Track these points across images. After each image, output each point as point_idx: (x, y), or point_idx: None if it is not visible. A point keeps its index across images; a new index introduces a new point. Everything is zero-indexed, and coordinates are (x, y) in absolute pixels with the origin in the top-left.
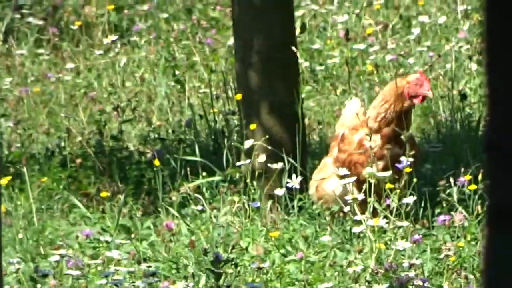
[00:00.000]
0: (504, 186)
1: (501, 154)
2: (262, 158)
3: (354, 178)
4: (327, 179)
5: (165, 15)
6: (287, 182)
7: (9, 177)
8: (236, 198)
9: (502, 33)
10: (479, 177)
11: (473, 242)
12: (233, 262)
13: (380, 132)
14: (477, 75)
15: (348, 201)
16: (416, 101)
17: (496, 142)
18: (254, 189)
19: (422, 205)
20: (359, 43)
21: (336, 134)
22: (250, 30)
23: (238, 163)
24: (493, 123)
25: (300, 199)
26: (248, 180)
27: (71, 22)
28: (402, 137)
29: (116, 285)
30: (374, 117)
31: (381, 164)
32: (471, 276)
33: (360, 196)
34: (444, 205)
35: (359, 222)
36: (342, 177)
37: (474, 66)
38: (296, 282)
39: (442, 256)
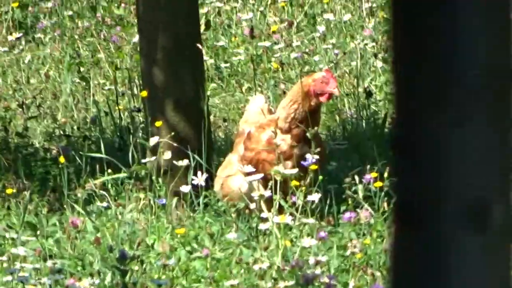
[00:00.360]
0: (409, 183)
1: (405, 150)
2: (168, 155)
3: (260, 175)
4: (233, 176)
5: (70, 13)
6: (193, 179)
7: None
8: (141, 195)
9: (407, 31)
10: (385, 175)
11: (379, 239)
12: (139, 259)
13: (290, 132)
14: (383, 72)
15: (254, 198)
16: (322, 99)
17: (401, 139)
18: (160, 186)
19: (328, 202)
20: (264, 41)
21: (240, 131)
22: (155, 27)
23: (143, 160)
24: (398, 120)
25: (205, 196)
26: (153, 177)
27: None
28: (308, 134)
29: (22, 282)
30: (284, 118)
31: (289, 163)
32: (378, 273)
33: (267, 193)
34: (350, 202)
35: (265, 220)
36: (248, 174)
37: (379, 64)
38: (202, 279)
39: (348, 253)
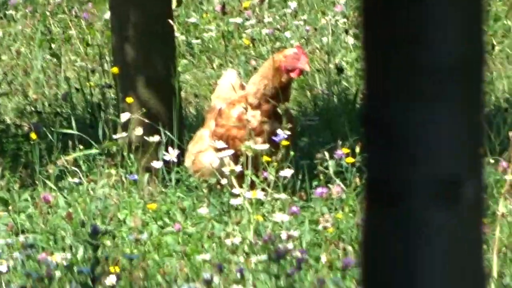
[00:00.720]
0: (381, 160)
1: (377, 127)
2: (139, 131)
3: (231, 151)
4: (204, 151)
5: None
6: (164, 155)
7: None
8: (113, 171)
9: (378, 6)
10: (357, 150)
11: (351, 214)
12: (110, 234)
13: (260, 108)
14: (354, 48)
15: (226, 174)
16: (293, 75)
17: (372, 115)
18: (131, 162)
19: (300, 178)
20: (236, 17)
21: (212, 106)
22: (126, 3)
23: (115, 136)
24: (369, 96)
25: (177, 172)
26: (125, 153)
27: None
28: (278, 110)
29: None
30: (253, 93)
31: (260, 139)
32: (349, 248)
33: (238, 169)
34: (322, 178)
35: (237, 195)
36: (219, 150)
37: (350, 40)
38: (174, 254)
39: (320, 228)
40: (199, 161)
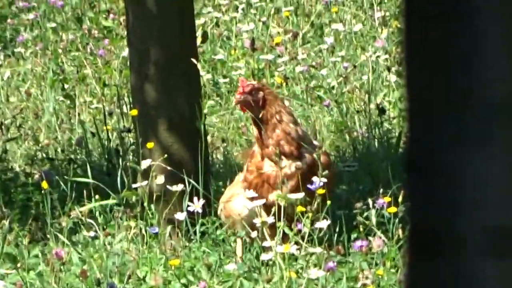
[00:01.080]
0: (424, 208)
1: (421, 173)
2: (161, 179)
3: (263, 201)
4: (235, 197)
5: (53, 25)
6: (188, 206)
7: None
8: (132, 223)
9: (422, 42)
10: (400, 199)
11: (393, 270)
12: None
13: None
14: (397, 87)
15: (257, 225)
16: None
17: (417, 161)
18: (152, 214)
19: (337, 229)
20: (267, 54)
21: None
22: (146, 39)
23: (134, 185)
24: (414, 140)
25: (202, 224)
26: (145, 204)
27: None
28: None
29: None
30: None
31: (290, 184)
32: None
33: (270, 220)
34: (361, 229)
35: (268, 249)
36: (250, 199)
37: (393, 78)
38: None
39: (359, 285)
40: (229, 208)
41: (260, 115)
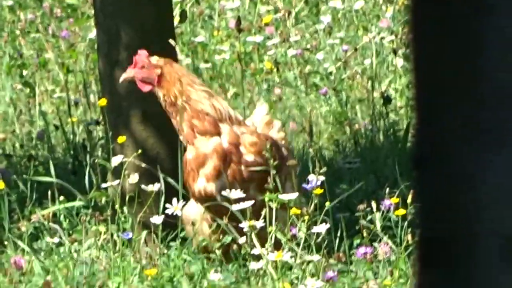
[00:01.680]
0: (436, 211)
1: (432, 170)
2: (134, 178)
3: (251, 202)
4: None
5: (9, 3)
6: (166, 208)
7: None
8: (102, 228)
9: (432, 19)
10: (408, 200)
11: (401, 280)
12: None
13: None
14: (404, 73)
15: (244, 230)
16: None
17: (428, 156)
18: (125, 217)
19: (338, 234)
20: (254, 35)
21: None
22: (116, 19)
23: (104, 185)
24: (424, 132)
25: (183, 229)
26: (116, 206)
27: None
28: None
29: None
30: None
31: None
32: None
33: (259, 224)
34: (365, 234)
35: (258, 257)
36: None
37: (400, 62)
38: None
39: None
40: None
41: (161, 97)
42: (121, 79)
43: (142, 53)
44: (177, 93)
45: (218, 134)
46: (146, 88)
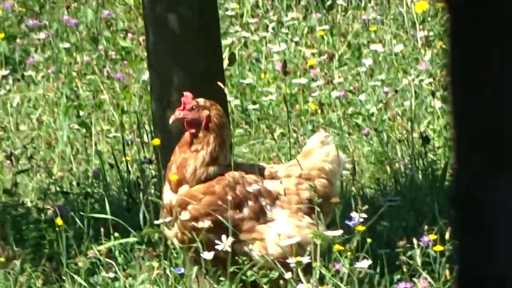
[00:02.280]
0: (475, 249)
1: (470, 209)
2: (186, 215)
3: (297, 239)
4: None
5: (66, 45)
6: (216, 244)
7: None
8: (155, 264)
9: (469, 64)
10: (447, 237)
11: None
12: None
13: None
14: (442, 114)
15: (291, 266)
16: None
17: (466, 195)
18: (177, 253)
19: (378, 270)
20: (300, 77)
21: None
22: (168, 62)
23: (156, 222)
24: (461, 171)
25: (232, 263)
26: (169, 242)
27: None
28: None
29: None
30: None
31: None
32: None
33: (305, 260)
34: (405, 270)
35: None
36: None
37: (438, 104)
38: None
39: None
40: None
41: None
42: (170, 121)
43: (189, 95)
44: (213, 139)
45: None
46: (192, 130)
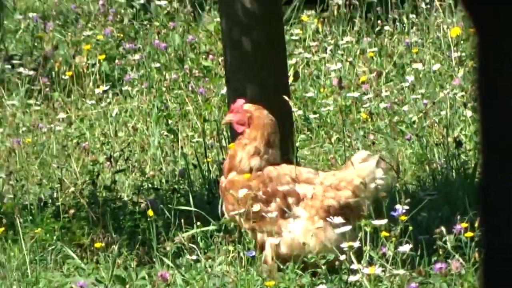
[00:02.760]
0: (498, 230)
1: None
2: (257, 207)
3: (349, 227)
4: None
5: (157, 65)
6: (283, 231)
7: (2, 229)
8: (231, 248)
9: (493, 80)
10: (476, 225)
11: None
12: None
13: None
14: (472, 122)
15: (344, 250)
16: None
17: (489, 186)
18: (249, 239)
19: (419, 253)
20: (353, 91)
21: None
22: (242, 78)
23: (232, 213)
24: (486, 166)
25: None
26: (243, 230)
27: (62, 72)
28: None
29: None
30: None
31: None
32: None
33: (356, 244)
34: (441, 253)
35: (355, 271)
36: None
37: (469, 113)
38: None
39: None
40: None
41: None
42: (222, 122)
43: (239, 101)
44: (258, 136)
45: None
46: (240, 129)
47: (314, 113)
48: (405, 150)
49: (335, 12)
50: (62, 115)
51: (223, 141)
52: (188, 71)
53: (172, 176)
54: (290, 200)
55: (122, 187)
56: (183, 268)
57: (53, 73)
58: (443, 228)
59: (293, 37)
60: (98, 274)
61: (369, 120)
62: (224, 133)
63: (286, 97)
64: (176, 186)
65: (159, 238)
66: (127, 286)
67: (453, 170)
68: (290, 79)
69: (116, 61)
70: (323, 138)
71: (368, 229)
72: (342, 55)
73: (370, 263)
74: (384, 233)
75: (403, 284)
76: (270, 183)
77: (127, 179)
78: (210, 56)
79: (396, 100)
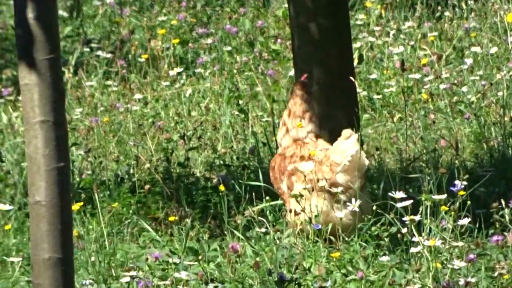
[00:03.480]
0: None
1: None
2: (323, 182)
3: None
4: None
5: (228, 48)
6: (348, 205)
7: (81, 203)
8: (298, 220)
9: None
10: None
11: None
12: (296, 282)
13: None
14: None
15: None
16: None
17: None
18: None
19: (477, 226)
20: (415, 73)
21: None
22: (310, 61)
23: (298, 187)
24: None
25: (360, 221)
26: (309, 204)
27: (138, 55)
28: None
29: None
30: None
31: None
32: None
33: (417, 218)
34: (497, 226)
35: (416, 243)
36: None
37: None
38: None
39: (496, 274)
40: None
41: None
42: None
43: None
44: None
45: None
46: None
47: (378, 93)
48: (463, 129)
49: None
50: (138, 95)
51: None
52: (258, 54)
53: (242, 153)
54: (294, 178)
55: (195, 163)
56: (252, 240)
57: (130, 56)
58: (501, 202)
59: (358, 22)
60: (172, 246)
61: (430, 100)
62: None
63: (351, 79)
64: (246, 163)
65: (230, 212)
66: (200, 257)
67: (509, 148)
68: (355, 62)
69: (190, 44)
70: (386, 117)
71: (428, 203)
72: (404, 39)
73: (430, 235)
74: (443, 207)
75: (462, 255)
76: (282, 163)
77: (199, 156)
78: (279, 40)
79: (455, 81)
